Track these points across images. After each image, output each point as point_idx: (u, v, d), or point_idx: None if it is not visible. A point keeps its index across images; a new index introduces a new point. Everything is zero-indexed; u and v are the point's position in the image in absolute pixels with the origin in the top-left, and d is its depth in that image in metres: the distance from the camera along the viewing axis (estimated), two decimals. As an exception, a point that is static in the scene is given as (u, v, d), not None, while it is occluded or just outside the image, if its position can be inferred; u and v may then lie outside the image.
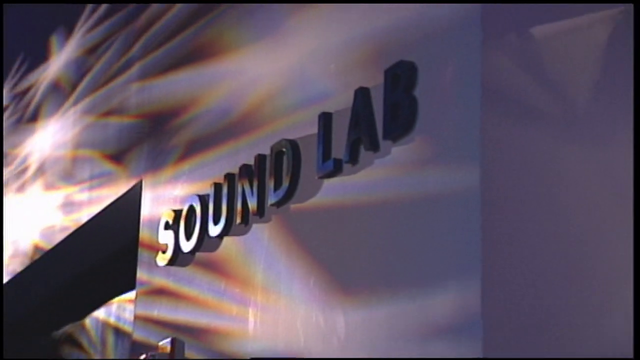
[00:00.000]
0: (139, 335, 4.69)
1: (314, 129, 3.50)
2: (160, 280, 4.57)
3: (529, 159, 2.84)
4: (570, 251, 2.81)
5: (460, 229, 2.84)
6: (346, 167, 3.36)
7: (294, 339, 3.54)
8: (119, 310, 5.66)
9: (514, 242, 2.79)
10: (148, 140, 4.99)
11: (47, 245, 6.12)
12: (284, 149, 3.69)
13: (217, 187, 4.13)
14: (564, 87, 2.92)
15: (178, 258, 4.40)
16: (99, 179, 5.51)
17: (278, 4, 3.99)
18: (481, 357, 2.64)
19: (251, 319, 3.85)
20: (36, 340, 6.92)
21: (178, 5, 4.82)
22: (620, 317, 2.79)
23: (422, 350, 2.90)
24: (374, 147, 3.23)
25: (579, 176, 2.85)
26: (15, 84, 7.24)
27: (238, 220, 3.97)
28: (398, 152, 3.15)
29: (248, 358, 3.79)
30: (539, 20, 2.93)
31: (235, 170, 4.00)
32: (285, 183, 3.66)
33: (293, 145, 3.65)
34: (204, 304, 4.19)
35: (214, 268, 4.15)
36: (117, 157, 5.33)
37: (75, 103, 6.02)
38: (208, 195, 4.19)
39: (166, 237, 4.48)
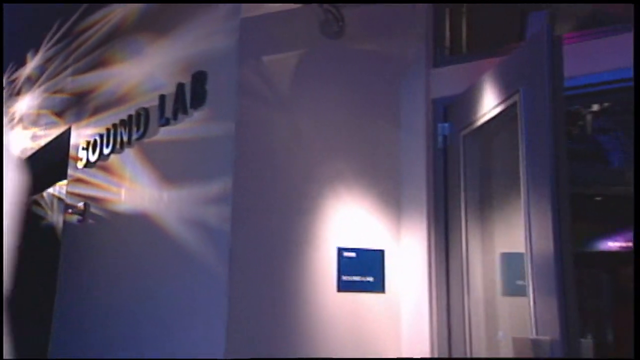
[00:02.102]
0: (69, 201, 4.35)
1: (156, 102, 3.27)
2: (79, 175, 4.24)
3: (261, 119, 2.72)
4: (278, 163, 2.74)
5: (224, 151, 2.71)
6: (172, 122, 3.16)
7: (142, 202, 3.35)
8: (60, 188, 5.31)
9: (252, 157, 2.67)
10: (75, 106, 4.61)
11: (24, 156, 5.66)
12: (141, 112, 3.44)
13: (108, 130, 3.82)
14: (278, 84, 2.81)
15: (88, 164, 4.07)
16: (50, 125, 5.08)
17: (143, 39, 3.72)
18: (230, 213, 2.55)
19: (123, 194, 3.63)
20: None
21: (94, 37, 4.46)
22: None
23: (205, 209, 2.78)
24: (185, 112, 3.05)
25: (284, 126, 2.76)
26: (10, 76, 6.61)
27: (118, 147, 3.69)
28: (197, 115, 2.98)
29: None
30: (267, 50, 2.81)
31: (117, 122, 3.72)
32: (142, 129, 3.42)
33: (146, 110, 3.41)
34: (101, 187, 3.91)
35: (107, 170, 3.86)
36: (59, 114, 4.92)
37: (39, 86, 5.54)
38: (104, 134, 3.87)
39: (83, 154, 4.14)
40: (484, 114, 2.55)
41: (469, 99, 2.67)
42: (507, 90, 2.36)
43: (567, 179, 1.98)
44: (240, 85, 2.73)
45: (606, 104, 4.79)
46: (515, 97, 2.26)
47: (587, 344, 2.02)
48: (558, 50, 2.08)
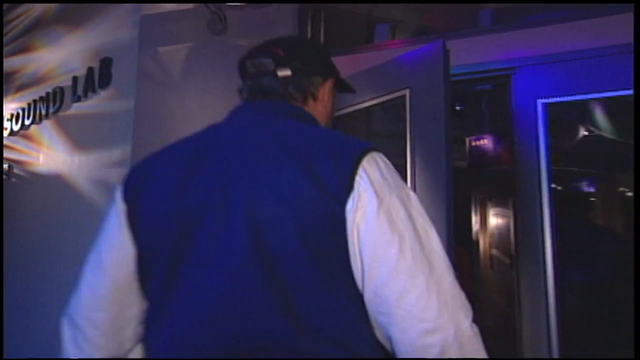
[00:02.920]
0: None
1: (70, 83, 3.39)
2: (4, 142, 4.27)
3: (156, 99, 2.85)
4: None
5: (125, 124, 2.83)
6: (82, 99, 3.28)
7: (57, 165, 3.49)
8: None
9: (147, 130, 2.76)
10: (5, 85, 4.59)
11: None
12: (57, 90, 3.56)
13: (29, 105, 3.91)
14: (172, 71, 2.93)
15: (12, 133, 4.14)
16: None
17: (60, 30, 3.79)
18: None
19: (41, 158, 3.74)
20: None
21: (18, 27, 4.45)
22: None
23: (108, 171, 2.92)
24: (94, 91, 3.18)
25: (175, 105, 2.87)
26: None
27: (38, 119, 3.79)
28: (104, 94, 3.11)
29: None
30: (162, 42, 2.94)
31: (37, 98, 3.81)
32: (58, 104, 3.54)
33: (61, 88, 3.53)
34: (22, 152, 3.99)
35: (28, 138, 3.96)
36: (-12, 90, 4.88)
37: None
38: (26, 108, 3.95)
39: (7, 124, 4.19)
40: (358, 103, 2.67)
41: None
42: (390, 86, 2.46)
43: (450, 152, 2.18)
44: (139, 71, 2.84)
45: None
46: (403, 92, 2.38)
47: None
48: (447, 59, 2.25)
